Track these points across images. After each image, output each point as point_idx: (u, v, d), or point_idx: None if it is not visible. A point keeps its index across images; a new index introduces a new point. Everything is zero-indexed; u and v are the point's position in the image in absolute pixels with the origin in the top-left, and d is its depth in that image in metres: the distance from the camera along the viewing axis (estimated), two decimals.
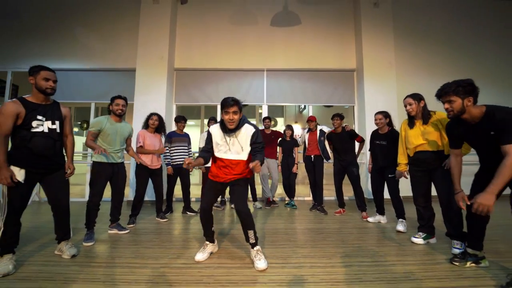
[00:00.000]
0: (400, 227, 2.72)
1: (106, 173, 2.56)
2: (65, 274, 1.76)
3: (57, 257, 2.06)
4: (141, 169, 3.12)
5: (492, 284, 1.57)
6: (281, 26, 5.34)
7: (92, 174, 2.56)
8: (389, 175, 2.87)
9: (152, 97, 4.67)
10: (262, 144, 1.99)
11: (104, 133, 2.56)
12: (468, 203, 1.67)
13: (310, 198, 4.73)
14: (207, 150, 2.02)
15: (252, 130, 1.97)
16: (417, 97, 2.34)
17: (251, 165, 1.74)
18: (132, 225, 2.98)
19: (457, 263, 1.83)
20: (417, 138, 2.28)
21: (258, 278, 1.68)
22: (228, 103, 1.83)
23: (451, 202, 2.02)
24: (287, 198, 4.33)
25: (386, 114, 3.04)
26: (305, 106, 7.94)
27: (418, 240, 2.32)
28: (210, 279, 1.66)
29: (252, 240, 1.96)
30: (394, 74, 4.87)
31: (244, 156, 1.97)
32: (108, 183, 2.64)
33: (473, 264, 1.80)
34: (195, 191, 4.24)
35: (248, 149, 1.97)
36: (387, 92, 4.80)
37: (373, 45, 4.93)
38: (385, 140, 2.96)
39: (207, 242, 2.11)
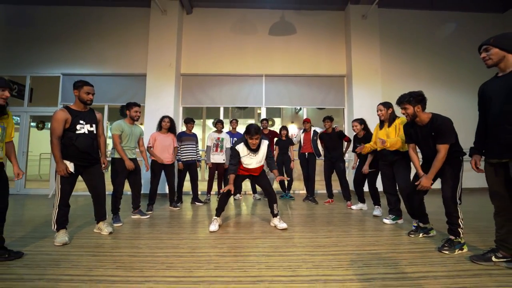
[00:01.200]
0: (376, 212, 3.26)
1: (125, 167, 3.01)
2: (109, 244, 2.27)
3: (97, 234, 2.56)
4: (155, 164, 3.62)
5: (433, 247, 2.11)
6: (278, 35, 5.85)
7: (114, 169, 3.02)
8: (369, 170, 3.41)
9: (162, 100, 5.17)
10: (271, 154, 2.90)
11: (123, 135, 3.06)
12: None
13: (303, 191, 5.27)
14: (235, 164, 2.74)
15: (267, 143, 2.81)
16: (387, 105, 2.88)
17: (277, 179, 2.73)
18: (150, 212, 3.49)
19: (412, 235, 2.37)
20: (383, 137, 2.84)
21: (259, 244, 2.21)
22: (251, 132, 2.57)
23: (406, 188, 2.56)
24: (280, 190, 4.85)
25: (361, 121, 3.57)
26: (300, 108, 8.47)
27: (388, 220, 2.87)
28: (223, 246, 2.19)
29: (275, 211, 2.79)
30: (379, 80, 5.41)
31: (262, 162, 2.85)
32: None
33: (424, 235, 2.34)
34: (201, 187, 4.75)
35: (264, 158, 2.81)
36: (373, 96, 5.33)
37: (361, 53, 5.47)
38: (362, 143, 3.49)
39: (216, 217, 2.75)
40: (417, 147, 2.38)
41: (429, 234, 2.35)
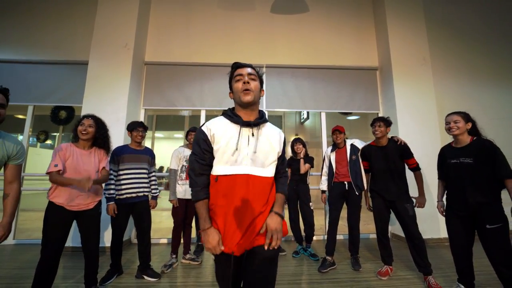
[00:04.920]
0: None
1: None
2: None
3: None
4: (54, 210, 1.76)
5: None
6: (284, 13, 4.25)
7: None
8: (488, 226, 1.66)
9: (109, 97, 3.37)
10: (285, 164, 1.29)
11: None
12: None
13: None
14: (202, 171, 1.12)
15: (281, 132, 1.26)
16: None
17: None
18: None
19: None
20: None
21: None
22: (240, 64, 1.20)
23: None
24: (293, 239, 3.04)
25: (466, 116, 1.87)
26: (308, 115, 6.80)
27: None
28: None
29: None
30: (430, 72, 3.79)
31: (270, 171, 1.16)
32: None
33: None
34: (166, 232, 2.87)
35: (274, 161, 1.18)
36: (423, 96, 3.68)
37: (402, 37, 3.87)
38: (470, 156, 1.77)
39: None
40: None
41: None
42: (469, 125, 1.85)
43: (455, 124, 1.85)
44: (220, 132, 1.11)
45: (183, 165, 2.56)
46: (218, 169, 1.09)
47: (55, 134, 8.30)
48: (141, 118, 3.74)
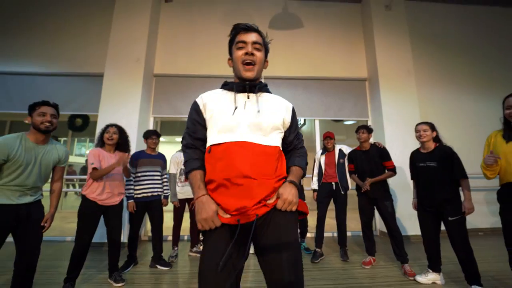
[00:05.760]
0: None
1: (3, 221, 1.52)
2: None
3: None
4: (88, 205, 2.10)
5: None
6: (280, 29, 4.64)
7: None
8: (450, 218, 2.00)
9: (123, 107, 3.72)
10: (302, 140, 1.14)
11: (14, 162, 1.53)
12: None
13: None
14: (198, 140, 1.01)
15: (289, 103, 1.11)
16: None
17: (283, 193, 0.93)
18: None
19: None
20: None
21: None
22: (243, 26, 0.98)
23: None
24: None
25: (432, 126, 2.22)
26: (304, 121, 7.16)
27: None
28: None
29: None
30: (414, 83, 4.16)
31: (273, 139, 0.98)
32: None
33: None
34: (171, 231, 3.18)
35: (278, 128, 1.00)
36: (407, 104, 4.05)
37: (388, 51, 4.26)
38: (435, 160, 2.11)
39: None
40: None
41: None
42: (434, 133, 2.20)
43: (425, 133, 2.19)
44: (213, 100, 1.00)
45: (181, 168, 2.88)
46: (210, 139, 0.96)
47: (61, 138, 8.67)
48: (151, 126, 4.09)
